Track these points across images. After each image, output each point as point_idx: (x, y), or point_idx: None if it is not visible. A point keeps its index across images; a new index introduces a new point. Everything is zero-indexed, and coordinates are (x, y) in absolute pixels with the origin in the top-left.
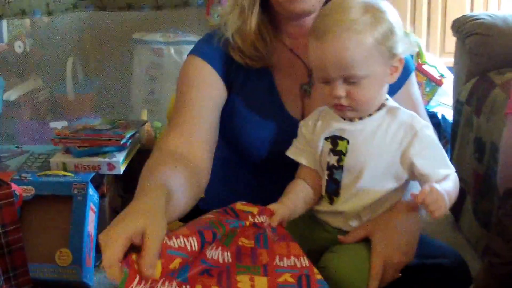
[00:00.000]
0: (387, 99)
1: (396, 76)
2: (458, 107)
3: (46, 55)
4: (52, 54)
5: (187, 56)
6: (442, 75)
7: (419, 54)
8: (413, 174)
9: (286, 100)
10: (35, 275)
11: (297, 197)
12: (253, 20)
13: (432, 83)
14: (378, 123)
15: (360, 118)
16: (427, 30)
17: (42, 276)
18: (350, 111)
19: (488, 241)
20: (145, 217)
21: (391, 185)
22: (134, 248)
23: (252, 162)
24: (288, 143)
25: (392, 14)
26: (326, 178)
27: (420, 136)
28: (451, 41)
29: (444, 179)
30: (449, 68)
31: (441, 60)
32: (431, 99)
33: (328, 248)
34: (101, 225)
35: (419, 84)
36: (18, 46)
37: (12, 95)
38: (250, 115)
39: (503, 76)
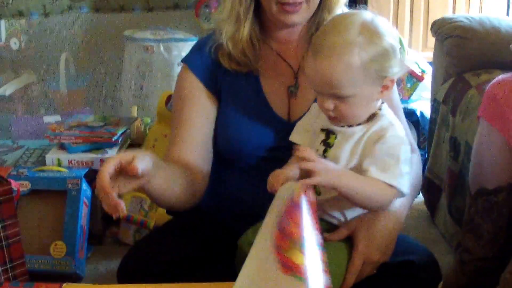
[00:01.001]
0: (380, 108)
1: (386, 93)
2: (435, 106)
3: (40, 52)
4: (45, 50)
5: (182, 63)
6: (423, 71)
7: (401, 50)
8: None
9: (273, 101)
10: (30, 267)
11: None
12: (246, 27)
13: (413, 79)
14: (361, 127)
15: (350, 126)
16: (410, 26)
17: (37, 267)
18: (339, 121)
19: (460, 237)
20: (136, 152)
21: None
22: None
23: (242, 162)
24: (277, 143)
25: (389, 37)
26: None
27: (384, 140)
28: (433, 38)
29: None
30: (430, 63)
31: (423, 55)
32: (412, 94)
33: None
34: (94, 218)
35: (400, 80)
36: (14, 43)
37: (7, 90)
38: (238, 118)
39: (478, 78)
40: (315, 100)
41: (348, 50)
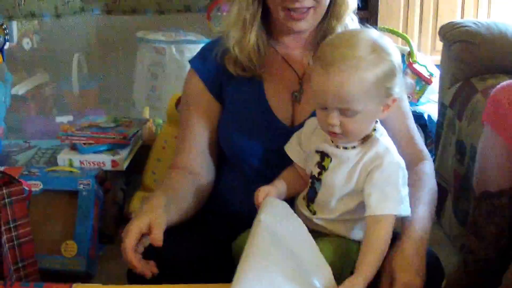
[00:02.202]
0: (375, 129)
1: (386, 113)
2: (442, 110)
3: (53, 52)
4: (58, 50)
5: (190, 64)
6: (431, 74)
7: (410, 53)
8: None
9: (275, 107)
10: (42, 266)
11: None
12: (252, 33)
13: (422, 82)
14: (357, 151)
15: (345, 148)
16: (419, 30)
17: (49, 266)
18: (341, 138)
19: (464, 239)
20: (150, 214)
21: (356, 204)
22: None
23: (245, 166)
24: (279, 148)
25: (395, 55)
26: (309, 185)
27: (382, 168)
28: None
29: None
30: (439, 67)
31: (431, 58)
32: (420, 97)
33: None
34: (105, 218)
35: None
36: (26, 43)
37: (20, 90)
38: (240, 123)
39: (484, 83)
40: (313, 114)
41: (363, 65)
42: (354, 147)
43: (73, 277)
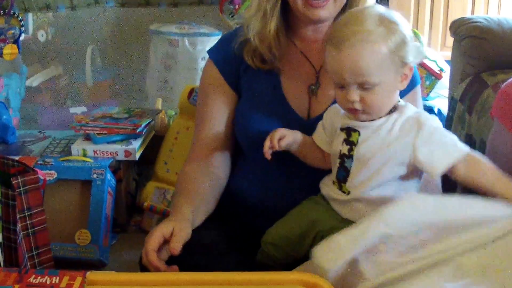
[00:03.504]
0: (399, 101)
1: (405, 83)
2: (452, 104)
3: (67, 44)
4: (72, 42)
5: (208, 54)
6: (441, 69)
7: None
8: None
9: (292, 99)
10: (55, 254)
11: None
12: (272, 24)
13: (432, 77)
14: (385, 118)
15: (372, 120)
16: (429, 26)
17: (62, 254)
18: (363, 114)
19: None
20: (174, 223)
21: (395, 173)
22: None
23: (259, 158)
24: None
25: (404, 25)
26: (338, 165)
27: (425, 127)
28: (452, 37)
29: None
30: (449, 62)
31: (441, 54)
32: (430, 91)
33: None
34: (117, 208)
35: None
36: (41, 35)
37: (34, 81)
38: (256, 115)
39: (495, 78)
40: (334, 102)
41: (374, 38)
42: (380, 117)
43: (86, 265)
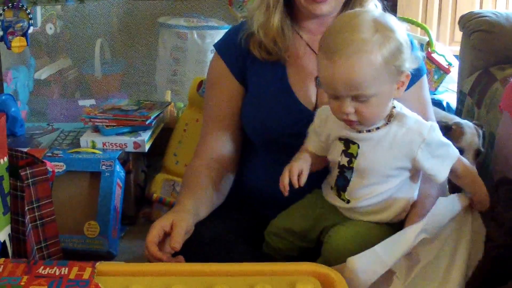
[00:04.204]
0: (394, 106)
1: (402, 90)
2: (461, 98)
3: (75, 37)
4: (81, 35)
5: (214, 48)
6: (450, 64)
7: (429, 43)
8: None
9: (298, 91)
10: (64, 246)
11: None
12: (276, 17)
13: (440, 71)
14: (386, 131)
15: (368, 131)
16: (438, 20)
17: (71, 246)
18: (358, 125)
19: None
20: (173, 214)
21: (396, 182)
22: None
23: (268, 149)
24: (301, 132)
25: (400, 31)
26: (337, 173)
27: (428, 141)
28: (460, 31)
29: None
30: (457, 57)
31: (449, 49)
32: (439, 85)
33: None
34: (126, 200)
35: (428, 72)
36: (49, 28)
37: (42, 74)
38: (263, 106)
39: (503, 72)
40: None
41: (368, 48)
42: (378, 128)
43: (95, 257)
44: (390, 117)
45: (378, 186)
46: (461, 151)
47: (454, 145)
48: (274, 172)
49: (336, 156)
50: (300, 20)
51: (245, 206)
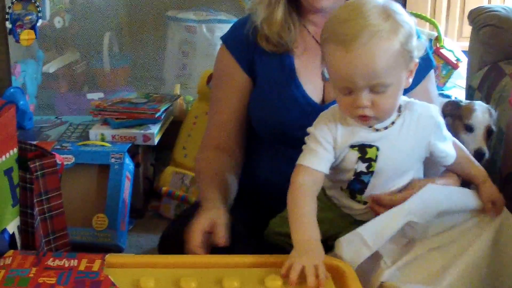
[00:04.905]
0: None
1: (411, 80)
2: (470, 92)
3: (84, 31)
4: (89, 29)
5: (221, 40)
6: (458, 59)
7: (437, 38)
8: (433, 155)
9: (306, 84)
10: (72, 238)
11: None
12: (279, 11)
13: (448, 67)
14: (400, 123)
15: (385, 128)
16: (446, 15)
17: (79, 239)
18: (374, 120)
19: None
20: (209, 213)
21: (416, 171)
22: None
23: (275, 142)
24: (307, 126)
25: (407, 16)
26: (351, 179)
27: (438, 122)
28: (469, 27)
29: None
30: (465, 52)
31: (458, 44)
32: (447, 81)
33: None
34: (135, 193)
35: (436, 67)
36: (58, 22)
37: (51, 67)
38: (270, 99)
39: None
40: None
41: (384, 34)
42: (393, 123)
43: (103, 250)
44: (399, 108)
45: (398, 180)
46: (472, 128)
47: (465, 121)
48: (280, 165)
49: (351, 164)
50: (305, 13)
51: (253, 199)
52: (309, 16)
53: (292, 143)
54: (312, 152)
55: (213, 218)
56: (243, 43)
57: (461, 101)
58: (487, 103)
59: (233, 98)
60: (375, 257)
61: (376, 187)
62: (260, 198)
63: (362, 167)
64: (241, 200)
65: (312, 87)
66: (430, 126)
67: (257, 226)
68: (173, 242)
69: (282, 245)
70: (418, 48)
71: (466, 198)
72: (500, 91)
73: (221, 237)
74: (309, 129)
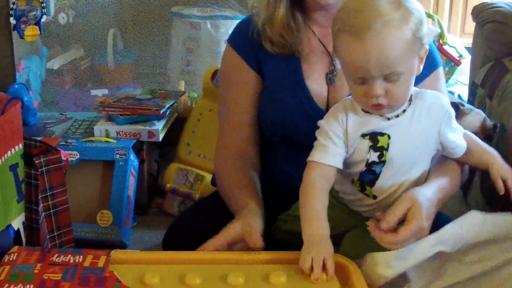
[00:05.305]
0: None
1: (421, 67)
2: (473, 89)
3: (88, 27)
4: (93, 25)
5: (226, 42)
6: (461, 56)
7: (440, 35)
8: (443, 146)
9: (312, 87)
10: (77, 235)
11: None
12: (280, 12)
13: (451, 63)
14: (411, 111)
15: (397, 116)
16: (449, 12)
17: (84, 235)
18: (387, 109)
19: None
20: (243, 223)
21: (427, 164)
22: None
23: (281, 145)
24: (312, 130)
25: (417, 3)
26: (362, 170)
27: (449, 112)
28: (471, 23)
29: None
30: (468, 49)
31: (460, 41)
32: (449, 78)
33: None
34: (139, 189)
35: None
36: (62, 18)
37: (55, 64)
38: (277, 102)
39: None
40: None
41: (397, 23)
42: (404, 111)
43: (107, 246)
44: (410, 97)
45: (406, 174)
46: None
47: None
48: (285, 167)
49: (363, 154)
50: (309, 12)
51: (267, 198)
52: (313, 15)
53: (298, 147)
54: (323, 148)
55: (242, 230)
56: (249, 43)
57: (463, 105)
58: (490, 100)
59: (246, 98)
60: (402, 280)
61: (387, 178)
62: (267, 198)
63: (374, 156)
64: None
65: (318, 90)
66: (441, 115)
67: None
68: (178, 239)
69: (288, 243)
70: (428, 35)
71: (501, 224)
72: (503, 88)
73: (256, 240)
74: (320, 122)
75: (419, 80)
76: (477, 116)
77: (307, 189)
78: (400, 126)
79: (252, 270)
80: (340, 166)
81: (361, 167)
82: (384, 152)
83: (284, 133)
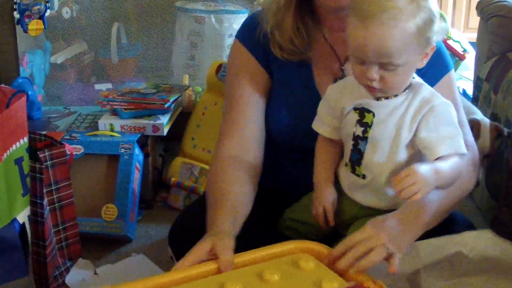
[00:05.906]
0: (413, 77)
1: (425, 61)
2: (478, 83)
3: (92, 21)
4: (97, 19)
5: (235, 38)
6: (465, 50)
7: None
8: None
9: (322, 92)
10: (82, 229)
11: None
12: (289, 18)
13: (455, 58)
14: (402, 99)
15: (387, 98)
16: (453, 6)
17: (89, 229)
18: (379, 92)
19: (496, 211)
20: (213, 239)
21: (409, 156)
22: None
23: (292, 149)
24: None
25: (433, 2)
26: (351, 147)
27: (436, 110)
28: (475, 18)
29: (442, 159)
30: (471, 44)
31: (464, 36)
32: None
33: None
34: (143, 183)
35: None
36: (66, 12)
37: (58, 58)
38: (287, 106)
39: None
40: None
41: (404, 16)
42: (396, 96)
43: (112, 241)
44: (408, 86)
45: (392, 157)
46: None
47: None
48: (289, 169)
49: (351, 127)
50: (320, 16)
51: (262, 193)
52: (324, 20)
53: (306, 151)
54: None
55: (213, 244)
56: (258, 43)
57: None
58: (495, 94)
59: (255, 94)
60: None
61: (372, 157)
62: (271, 199)
63: (359, 131)
64: (260, 198)
65: None
66: (426, 109)
67: (268, 221)
68: (184, 233)
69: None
70: (438, 33)
71: None
72: (508, 82)
73: (225, 265)
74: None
75: (430, 84)
76: (486, 134)
77: (318, 145)
78: (386, 108)
79: (244, 272)
80: (330, 136)
81: (350, 145)
82: (368, 129)
83: (294, 137)
